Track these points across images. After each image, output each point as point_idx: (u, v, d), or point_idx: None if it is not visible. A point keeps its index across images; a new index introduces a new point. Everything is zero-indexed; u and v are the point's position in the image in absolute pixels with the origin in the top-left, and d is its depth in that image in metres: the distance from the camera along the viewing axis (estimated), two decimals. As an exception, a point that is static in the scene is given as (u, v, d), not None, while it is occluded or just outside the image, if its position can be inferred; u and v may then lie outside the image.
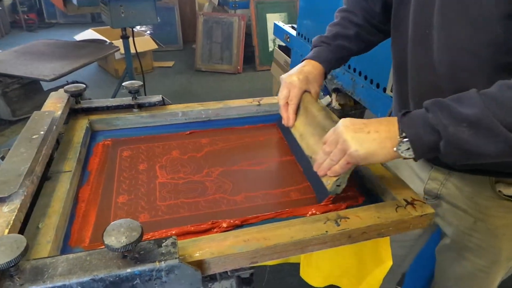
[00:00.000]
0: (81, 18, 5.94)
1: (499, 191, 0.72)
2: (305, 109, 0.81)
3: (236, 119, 0.97)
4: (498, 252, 0.79)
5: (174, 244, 0.50)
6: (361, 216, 0.59)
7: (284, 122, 0.84)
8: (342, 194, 0.67)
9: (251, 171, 0.77)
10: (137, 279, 0.47)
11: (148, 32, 4.33)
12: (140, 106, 0.94)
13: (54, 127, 0.74)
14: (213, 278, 0.75)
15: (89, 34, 3.89)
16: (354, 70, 1.60)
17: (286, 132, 0.87)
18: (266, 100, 1.00)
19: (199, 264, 0.52)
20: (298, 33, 2.25)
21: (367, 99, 1.55)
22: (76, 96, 0.89)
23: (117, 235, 0.46)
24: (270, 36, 4.26)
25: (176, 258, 0.48)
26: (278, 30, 2.66)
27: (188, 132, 0.91)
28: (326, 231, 0.56)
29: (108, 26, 2.93)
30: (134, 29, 4.20)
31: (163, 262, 0.47)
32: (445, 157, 0.55)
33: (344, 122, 0.61)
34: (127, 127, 0.92)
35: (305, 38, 2.15)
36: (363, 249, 0.68)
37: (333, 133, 0.63)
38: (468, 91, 0.53)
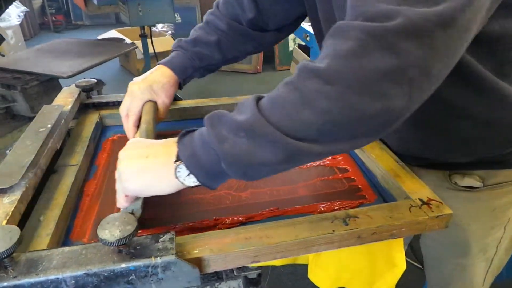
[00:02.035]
0: (106, 20, 6.08)
1: (455, 182, 0.71)
2: (141, 121, 0.73)
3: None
4: (468, 245, 0.77)
5: (171, 240, 0.48)
6: (371, 216, 0.56)
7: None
8: (355, 192, 0.64)
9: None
10: (133, 274, 0.46)
11: (170, 32, 4.37)
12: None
13: (63, 120, 0.74)
14: (220, 277, 0.73)
15: (112, 34, 3.97)
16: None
17: None
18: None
19: (198, 262, 0.50)
20: None
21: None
22: (88, 90, 0.89)
23: (111, 229, 0.44)
24: (291, 35, 4.22)
25: (173, 254, 0.46)
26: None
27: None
28: (333, 231, 0.53)
29: (130, 27, 2.99)
30: (156, 29, 4.28)
31: (159, 258, 0.46)
32: (235, 177, 0.46)
33: (127, 145, 0.52)
34: (138, 122, 0.91)
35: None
36: (374, 251, 0.64)
37: (119, 157, 0.52)
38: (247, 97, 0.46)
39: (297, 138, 0.42)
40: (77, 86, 0.88)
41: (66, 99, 0.84)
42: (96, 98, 0.91)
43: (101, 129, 0.88)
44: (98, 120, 0.86)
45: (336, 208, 0.61)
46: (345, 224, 0.54)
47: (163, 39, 4.06)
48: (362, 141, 0.46)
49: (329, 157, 0.78)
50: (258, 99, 0.45)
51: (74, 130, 0.81)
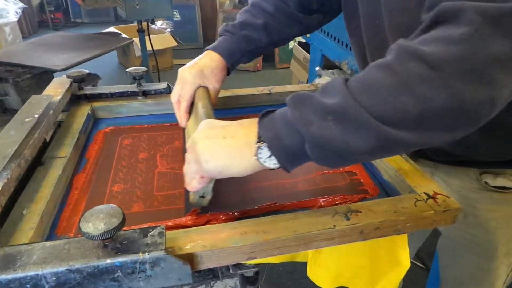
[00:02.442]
0: (105, 17, 6.05)
1: (486, 182, 0.67)
2: (195, 106, 0.72)
3: (245, 108, 0.92)
4: (494, 248, 0.73)
5: (161, 234, 0.45)
6: (374, 210, 0.53)
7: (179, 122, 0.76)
8: (357, 187, 0.61)
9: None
10: (118, 271, 0.43)
11: (169, 29, 4.34)
12: (145, 94, 0.90)
13: (51, 111, 0.71)
14: (216, 276, 0.71)
15: (110, 31, 3.93)
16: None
17: None
18: (277, 89, 0.94)
19: (190, 258, 0.47)
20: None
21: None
22: (79, 81, 0.86)
23: (95, 222, 0.41)
24: (291, 33, 4.19)
25: (162, 249, 0.43)
26: (297, 25, 2.59)
27: (194, 121, 0.86)
28: (334, 226, 0.50)
29: (130, 24, 2.96)
30: (155, 26, 4.25)
31: (147, 253, 0.43)
32: (317, 161, 0.44)
33: (201, 126, 0.51)
34: (131, 115, 0.88)
35: (324, 33, 2.08)
36: (377, 248, 0.61)
37: (191, 139, 0.51)
38: (334, 79, 0.44)
39: (391, 126, 0.39)
40: (68, 76, 0.85)
41: (56, 89, 0.81)
42: (88, 90, 0.88)
43: (93, 122, 0.85)
44: (89, 112, 0.83)
45: (337, 202, 0.58)
46: (346, 219, 0.51)
47: (162, 37, 4.02)
48: (460, 132, 0.42)
49: None
50: (346, 80, 0.42)
51: (64, 122, 0.78)
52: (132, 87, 0.89)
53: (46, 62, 1.43)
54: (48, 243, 0.44)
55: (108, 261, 0.42)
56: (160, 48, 3.84)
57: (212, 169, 0.48)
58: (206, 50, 0.78)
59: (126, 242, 0.44)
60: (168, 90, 0.91)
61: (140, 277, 0.44)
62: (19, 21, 4.07)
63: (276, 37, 0.80)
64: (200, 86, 0.74)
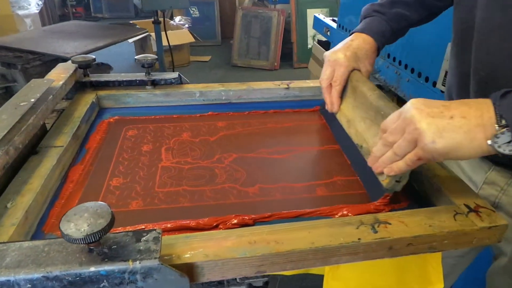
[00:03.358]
0: (125, 12, 6.07)
1: None
2: (353, 89, 0.67)
3: (260, 103, 0.85)
4: None
5: (156, 240, 0.38)
6: (406, 223, 0.45)
7: (327, 107, 0.71)
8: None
9: (271, 160, 0.64)
10: (104, 281, 0.36)
11: (187, 25, 4.30)
12: (155, 84, 0.84)
13: (51, 96, 0.65)
14: (221, 283, 0.64)
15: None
16: (400, 62, 1.44)
17: (330, 119, 0.74)
18: (296, 84, 0.87)
19: (189, 269, 0.40)
20: (339, 25, 2.10)
21: (413, 95, 1.38)
22: (84, 67, 0.80)
23: (78, 222, 0.35)
24: (310, 32, 4.10)
25: (156, 258, 0.36)
26: (317, 23, 2.51)
27: (205, 114, 0.79)
28: (359, 239, 0.43)
29: (148, 20, 2.93)
30: (173, 22, 4.21)
31: (138, 261, 0.36)
32: None
33: (415, 104, 0.46)
34: (138, 105, 0.82)
35: (346, 30, 2.00)
36: (406, 265, 0.53)
37: (397, 117, 0.47)
38: None
39: None
40: (73, 62, 0.79)
41: (59, 74, 0.75)
42: (94, 77, 0.82)
43: (98, 111, 0.80)
44: (94, 100, 0.78)
45: (362, 212, 0.51)
46: (373, 231, 0.44)
47: (180, 32, 3.99)
48: None
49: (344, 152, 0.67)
50: None
51: (66, 110, 0.72)
52: (141, 76, 0.84)
53: (56, 49, 1.39)
54: (26, 244, 0.38)
55: (92, 269, 0.36)
56: (177, 44, 3.80)
57: (440, 150, 0.44)
58: (354, 32, 0.73)
59: (115, 247, 0.38)
60: (179, 81, 0.85)
61: (129, 289, 0.38)
62: (40, 13, 4.09)
63: (426, 12, 0.75)
64: (354, 69, 0.70)
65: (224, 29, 4.87)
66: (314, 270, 0.60)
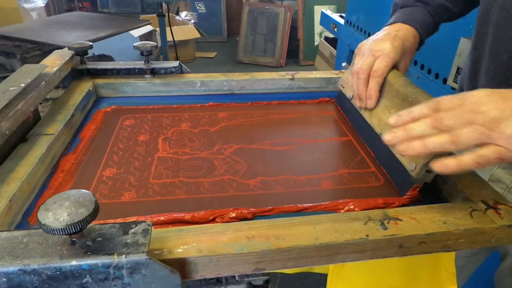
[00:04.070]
0: (131, 8, 6.05)
1: None
2: (388, 86, 0.62)
3: (264, 94, 0.81)
4: None
5: (145, 232, 0.35)
6: (419, 219, 0.41)
7: (358, 102, 0.65)
8: (393, 189, 0.50)
9: (274, 151, 0.61)
10: (87, 276, 0.33)
11: (192, 21, 4.27)
12: (154, 73, 0.81)
13: (43, 82, 0.62)
14: (220, 281, 0.61)
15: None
16: (409, 58, 1.40)
17: (347, 111, 0.71)
18: (301, 75, 0.83)
19: (181, 264, 0.37)
20: (347, 21, 2.06)
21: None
22: (81, 54, 0.77)
23: (57, 211, 0.32)
24: (317, 29, 4.06)
25: (144, 252, 0.33)
26: (325, 19, 2.47)
27: (206, 105, 0.76)
28: (367, 235, 0.39)
29: (154, 15, 2.92)
30: (179, 18, 4.19)
31: (124, 255, 0.33)
32: None
33: (485, 92, 0.40)
34: (137, 95, 0.79)
35: (354, 26, 1.96)
36: (416, 264, 0.50)
37: (460, 101, 0.41)
38: None
39: None
40: (69, 48, 0.76)
41: (54, 61, 0.72)
42: (91, 64, 0.79)
43: (95, 100, 0.76)
44: (90, 88, 0.75)
45: (369, 207, 0.47)
46: (383, 227, 0.40)
47: (186, 28, 3.96)
48: None
49: (357, 144, 0.63)
50: None
51: (61, 98, 0.69)
52: (140, 64, 0.80)
53: (57, 39, 1.36)
54: (4, 234, 0.35)
55: (74, 262, 0.32)
56: (183, 39, 3.77)
57: None
58: (393, 23, 0.66)
59: (100, 239, 0.34)
60: (180, 70, 0.82)
61: (115, 286, 0.34)
62: (46, 7, 4.08)
63: (463, 4, 0.70)
64: (396, 63, 0.63)
65: (230, 26, 4.84)
66: (318, 269, 0.56)
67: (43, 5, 3.98)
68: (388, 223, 0.41)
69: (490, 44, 0.58)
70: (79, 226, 0.31)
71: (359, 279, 0.54)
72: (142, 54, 0.78)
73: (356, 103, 0.66)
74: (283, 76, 0.82)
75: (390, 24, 0.67)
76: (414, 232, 0.40)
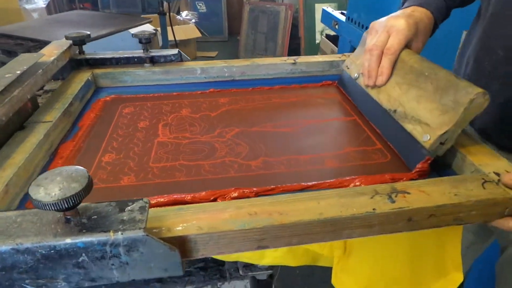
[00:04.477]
0: (132, 8, 6.06)
1: None
2: (402, 63, 0.60)
3: (265, 79, 0.80)
4: None
5: (142, 209, 0.34)
6: (428, 192, 0.40)
7: (367, 79, 0.63)
8: (401, 165, 0.48)
9: (276, 133, 0.59)
10: (83, 254, 0.32)
11: (193, 20, 4.27)
12: (154, 61, 0.80)
13: (40, 70, 0.61)
14: (223, 276, 0.60)
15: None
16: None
17: (350, 91, 0.70)
18: (303, 59, 0.81)
19: (181, 243, 0.35)
20: (348, 18, 2.04)
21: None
22: (79, 44, 0.76)
23: (49, 186, 0.30)
24: (318, 27, 4.03)
25: (141, 228, 0.32)
26: (326, 16, 2.44)
27: (206, 91, 0.75)
28: (374, 209, 0.37)
29: (155, 14, 2.92)
30: (180, 17, 4.19)
31: (120, 232, 0.32)
32: None
33: None
34: (137, 84, 0.78)
35: (355, 23, 1.93)
36: (421, 253, 0.49)
37: None
38: None
39: None
40: (67, 38, 0.75)
41: (51, 51, 0.71)
42: (89, 54, 0.78)
43: (94, 90, 0.75)
44: (89, 78, 0.74)
45: (376, 183, 0.45)
46: (390, 201, 0.38)
47: (187, 27, 3.95)
48: None
49: (362, 123, 0.62)
50: None
51: (59, 88, 0.68)
52: (139, 53, 0.79)
53: (58, 37, 1.35)
54: (-3, 214, 0.34)
55: (68, 240, 0.31)
56: (184, 39, 3.76)
57: None
58: (411, 6, 0.65)
59: (95, 217, 0.33)
60: (179, 58, 0.81)
61: (113, 264, 0.33)
62: (48, 7, 4.10)
63: None
64: (409, 42, 0.61)
65: (231, 25, 4.82)
66: (322, 262, 0.55)
67: (44, 5, 3.99)
68: (396, 196, 0.39)
69: (483, 39, 0.57)
70: (71, 201, 0.30)
71: (364, 270, 0.52)
72: (140, 42, 0.77)
73: (365, 81, 0.64)
74: (285, 61, 0.81)
75: (403, 7, 0.65)
76: (423, 205, 0.38)
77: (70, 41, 0.75)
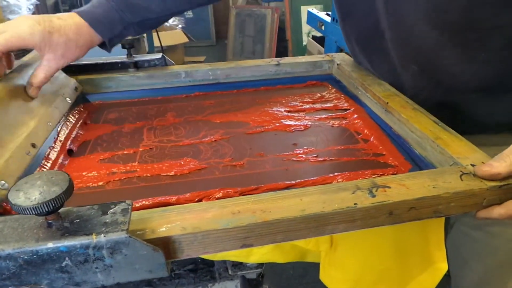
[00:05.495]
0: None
1: None
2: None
3: (250, 82, 0.80)
4: None
5: (125, 212, 0.34)
6: (408, 185, 0.41)
7: None
8: (379, 161, 0.49)
9: (262, 134, 0.60)
10: (66, 259, 0.32)
11: (180, 26, 4.27)
12: (138, 66, 0.80)
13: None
14: (213, 277, 0.61)
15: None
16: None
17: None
18: (287, 60, 0.82)
19: (165, 243, 0.35)
20: (333, 19, 2.06)
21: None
22: (61, 51, 0.75)
23: (29, 191, 0.31)
24: (305, 29, 4.06)
25: (123, 230, 0.32)
26: (311, 17, 2.47)
27: (191, 95, 0.75)
28: (355, 204, 0.38)
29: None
30: (166, 23, 4.18)
31: (102, 235, 0.32)
32: None
33: None
34: (121, 89, 0.78)
35: (340, 23, 1.95)
36: (406, 246, 0.50)
37: None
38: None
39: None
40: (49, 45, 0.75)
41: (35, 59, 0.71)
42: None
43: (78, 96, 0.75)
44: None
45: (360, 178, 0.46)
46: (371, 195, 0.39)
47: (173, 33, 3.95)
48: None
49: (345, 121, 0.63)
50: None
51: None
52: (123, 58, 0.79)
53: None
54: (-23, 221, 0.33)
55: (50, 245, 0.31)
56: (171, 44, 3.76)
57: None
58: (73, 12, 0.59)
59: (78, 221, 0.33)
60: (164, 62, 0.81)
61: (96, 268, 0.33)
62: (32, 19, 4.06)
63: (173, 5, 0.64)
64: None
65: (219, 29, 4.83)
66: (311, 257, 0.55)
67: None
68: (376, 191, 0.40)
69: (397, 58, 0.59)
70: (52, 204, 0.30)
71: (351, 264, 0.53)
72: (123, 47, 0.77)
73: None
74: (269, 62, 0.81)
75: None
76: (403, 198, 0.39)
77: (53, 48, 0.75)
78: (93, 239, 0.32)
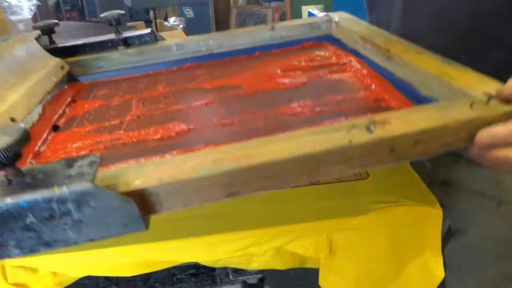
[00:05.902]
0: (122, 18, 6.08)
1: None
2: None
3: (244, 49, 0.76)
4: None
5: (93, 164, 0.31)
6: (411, 119, 0.36)
7: None
8: (382, 105, 0.45)
9: (255, 94, 0.56)
10: (29, 215, 0.29)
11: (181, 26, 4.25)
12: (128, 44, 0.77)
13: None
14: (214, 282, 0.61)
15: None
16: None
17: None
18: (282, 24, 0.78)
19: (140, 197, 0.32)
20: None
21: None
22: (47, 33, 0.74)
23: (-22, 140, 0.28)
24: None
25: (88, 180, 0.29)
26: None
27: (183, 67, 0.72)
28: (350, 141, 0.34)
29: (141, 22, 2.91)
30: (167, 23, 4.17)
31: (65, 186, 0.29)
32: None
33: None
34: (112, 68, 0.75)
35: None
36: (404, 252, 0.51)
37: None
38: None
39: None
40: (34, 27, 0.73)
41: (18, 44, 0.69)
42: (61, 43, 0.76)
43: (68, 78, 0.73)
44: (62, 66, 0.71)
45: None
46: (368, 131, 0.35)
47: (174, 33, 3.93)
48: None
49: (344, 74, 0.58)
50: None
51: (30, 77, 0.66)
52: (112, 36, 0.77)
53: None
54: None
55: (9, 200, 0.28)
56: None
57: None
58: None
59: (41, 176, 0.30)
60: (154, 38, 0.78)
61: (65, 224, 0.30)
62: (34, 18, 4.11)
63: None
64: None
65: (219, 29, 4.78)
66: (310, 264, 0.55)
67: (30, 16, 3.99)
68: (374, 127, 0.35)
69: None
70: (5, 153, 0.27)
71: (351, 270, 0.53)
72: (110, 24, 0.74)
73: None
74: (263, 28, 0.77)
75: None
76: (405, 131, 0.34)
77: (38, 31, 0.73)
78: (55, 191, 0.29)
